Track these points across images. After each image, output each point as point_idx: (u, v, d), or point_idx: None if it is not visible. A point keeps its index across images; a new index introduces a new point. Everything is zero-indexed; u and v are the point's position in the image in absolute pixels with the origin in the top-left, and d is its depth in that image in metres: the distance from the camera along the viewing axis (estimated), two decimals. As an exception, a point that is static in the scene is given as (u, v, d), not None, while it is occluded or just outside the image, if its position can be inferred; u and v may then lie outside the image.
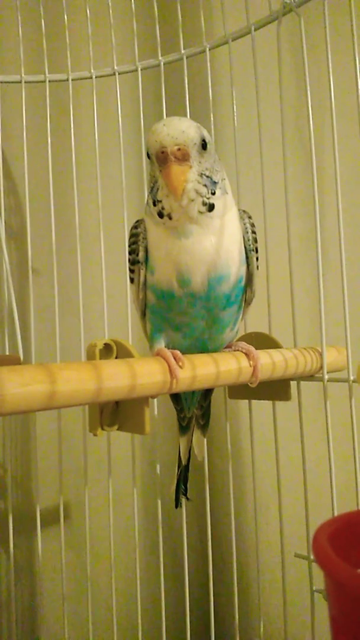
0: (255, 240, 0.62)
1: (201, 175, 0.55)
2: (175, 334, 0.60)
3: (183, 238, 0.56)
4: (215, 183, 0.56)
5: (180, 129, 0.54)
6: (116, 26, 0.85)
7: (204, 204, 0.55)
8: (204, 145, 0.55)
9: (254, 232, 0.62)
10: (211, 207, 0.55)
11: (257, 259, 0.62)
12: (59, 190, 0.86)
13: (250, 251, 0.61)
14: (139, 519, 0.80)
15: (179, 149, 0.53)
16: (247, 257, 0.61)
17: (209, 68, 0.81)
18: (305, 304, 0.87)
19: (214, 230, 0.56)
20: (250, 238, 0.61)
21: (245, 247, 0.61)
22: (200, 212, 0.55)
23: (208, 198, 0.55)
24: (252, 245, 0.61)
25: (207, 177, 0.55)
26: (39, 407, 0.42)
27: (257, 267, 0.63)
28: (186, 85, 0.81)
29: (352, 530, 0.40)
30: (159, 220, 0.56)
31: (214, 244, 0.56)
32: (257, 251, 0.62)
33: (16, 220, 0.99)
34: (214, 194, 0.55)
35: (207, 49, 0.81)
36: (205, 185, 0.55)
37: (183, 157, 0.54)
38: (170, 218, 0.55)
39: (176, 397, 0.69)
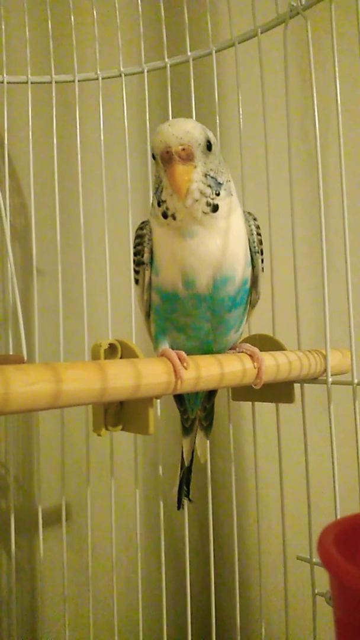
0: (261, 242, 0.62)
1: (205, 175, 0.55)
2: (180, 335, 0.60)
3: (188, 239, 0.56)
4: (220, 184, 0.56)
5: (185, 130, 0.54)
6: (123, 28, 0.85)
7: (208, 204, 0.55)
8: (209, 146, 0.55)
9: (259, 234, 0.62)
10: (215, 208, 0.55)
11: (262, 260, 0.62)
12: (64, 190, 0.87)
13: (255, 253, 0.61)
14: (140, 520, 0.80)
15: (183, 149, 0.53)
16: (252, 259, 0.61)
17: (215, 70, 0.81)
18: (309, 306, 0.87)
19: (218, 231, 0.56)
20: (256, 240, 0.61)
21: (250, 249, 0.61)
22: (205, 213, 0.55)
23: (212, 199, 0.55)
24: (257, 247, 0.61)
25: (212, 177, 0.55)
26: (45, 406, 0.42)
27: (262, 269, 0.63)
28: (192, 87, 0.81)
29: (357, 533, 0.40)
30: (163, 221, 0.56)
31: (219, 245, 0.56)
32: (262, 253, 0.62)
33: (21, 221, 0.99)
34: (218, 194, 0.55)
35: (214, 51, 0.82)
36: (209, 186, 0.55)
37: (187, 157, 0.54)
38: (174, 218, 0.55)
39: (180, 398, 0.69)
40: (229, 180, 0.58)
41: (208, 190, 0.55)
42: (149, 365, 0.52)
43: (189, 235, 0.56)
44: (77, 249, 0.83)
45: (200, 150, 0.55)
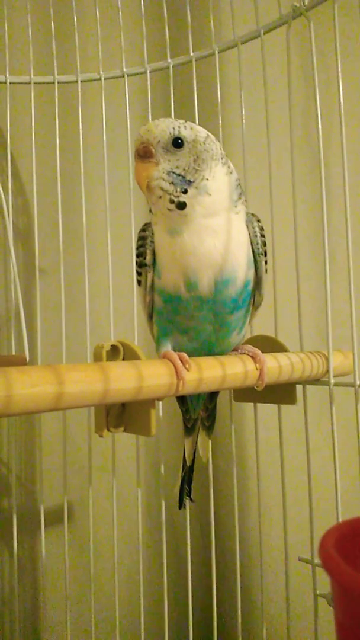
0: (265, 244, 0.62)
1: (168, 173, 0.55)
2: (182, 337, 0.60)
3: (176, 236, 0.56)
4: (189, 182, 0.55)
5: (147, 128, 0.56)
6: (125, 28, 0.85)
7: (172, 201, 0.55)
8: (177, 143, 0.55)
9: (262, 236, 0.61)
10: (181, 205, 0.55)
11: (265, 262, 0.62)
12: (67, 191, 0.87)
13: (259, 255, 0.61)
14: (142, 519, 0.80)
15: (143, 147, 0.55)
16: (255, 261, 0.61)
17: (218, 71, 0.81)
18: (311, 307, 0.87)
19: (207, 230, 0.56)
20: (259, 242, 0.61)
21: (253, 251, 0.61)
22: (169, 210, 0.55)
23: (177, 196, 0.55)
24: (261, 249, 0.61)
25: (177, 175, 0.55)
26: (47, 408, 0.43)
27: (266, 270, 0.63)
28: (195, 88, 0.81)
29: (358, 536, 0.40)
30: (153, 218, 0.58)
31: (217, 246, 0.56)
32: (266, 255, 0.62)
33: (23, 221, 0.99)
34: (185, 192, 0.55)
35: (217, 52, 0.81)
36: (172, 183, 0.55)
37: (145, 154, 0.56)
38: (153, 213, 0.58)
39: (182, 398, 0.69)
40: (207, 179, 0.56)
41: (170, 188, 0.55)
42: (151, 366, 0.52)
43: (175, 233, 0.56)
44: (79, 250, 0.83)
45: (161, 147, 0.55)
